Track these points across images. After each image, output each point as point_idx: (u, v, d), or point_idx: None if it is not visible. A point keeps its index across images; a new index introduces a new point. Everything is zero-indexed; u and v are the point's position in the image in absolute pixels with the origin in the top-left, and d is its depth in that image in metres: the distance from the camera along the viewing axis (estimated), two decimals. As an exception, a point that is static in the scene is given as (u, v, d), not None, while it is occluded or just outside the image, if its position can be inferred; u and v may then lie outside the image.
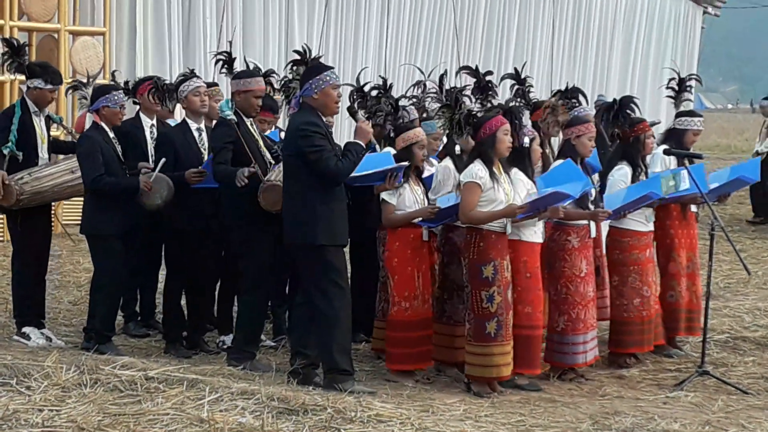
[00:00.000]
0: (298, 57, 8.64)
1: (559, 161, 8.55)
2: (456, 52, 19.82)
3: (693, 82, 10.20)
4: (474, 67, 8.84)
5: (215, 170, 8.26)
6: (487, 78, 8.75)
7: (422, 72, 9.91)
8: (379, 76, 10.19)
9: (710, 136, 19.87)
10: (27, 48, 9.37)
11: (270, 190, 8.02)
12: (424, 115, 9.31)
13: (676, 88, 9.88)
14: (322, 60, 9.00)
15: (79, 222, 9.08)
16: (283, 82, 9.13)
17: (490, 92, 8.71)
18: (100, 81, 11.22)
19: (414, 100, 9.42)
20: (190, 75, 9.08)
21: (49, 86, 8.94)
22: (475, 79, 8.80)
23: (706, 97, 78.82)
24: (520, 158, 8.10)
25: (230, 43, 9.07)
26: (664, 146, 9.32)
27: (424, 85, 9.48)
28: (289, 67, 8.74)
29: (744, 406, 7.81)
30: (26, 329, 8.92)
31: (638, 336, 8.87)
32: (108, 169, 8.57)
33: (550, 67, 21.71)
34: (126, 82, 9.94)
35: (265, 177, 8.09)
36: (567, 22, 22.29)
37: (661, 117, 19.66)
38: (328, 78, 7.67)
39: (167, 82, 9.52)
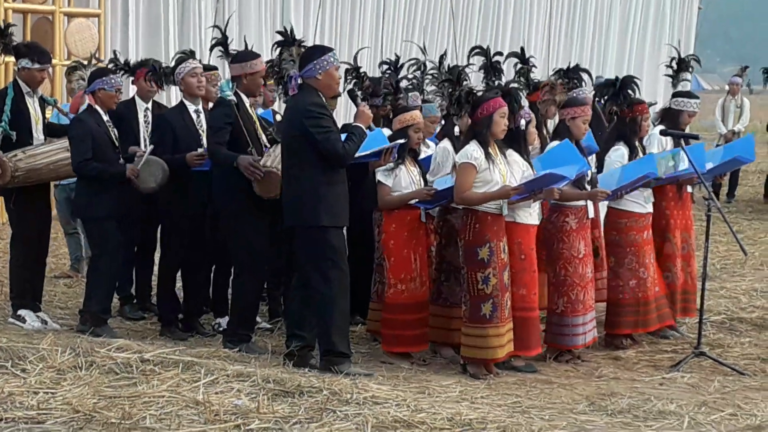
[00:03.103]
0: (281, 38, 8.62)
1: (555, 142, 8.52)
2: (453, 32, 19.77)
3: (693, 63, 10.17)
4: (485, 48, 8.86)
5: (213, 150, 8.21)
6: (495, 59, 8.78)
7: (423, 50, 9.87)
8: (395, 54, 10.14)
9: (707, 116, 19.82)
10: (12, 28, 9.27)
11: (266, 179, 7.98)
12: (423, 96, 9.30)
13: (675, 67, 9.85)
14: (311, 43, 9.01)
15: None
16: (270, 64, 9.09)
17: (497, 73, 8.74)
18: (95, 64, 11.18)
19: (414, 80, 9.39)
20: (187, 56, 9.04)
21: (37, 65, 8.88)
22: (484, 59, 8.83)
23: (704, 78, 78.65)
24: (516, 140, 8.07)
25: (217, 28, 9.01)
26: (661, 127, 9.30)
27: (424, 65, 9.45)
28: (275, 48, 8.69)
29: (740, 386, 7.80)
30: (22, 312, 8.91)
31: (634, 317, 8.86)
32: (101, 153, 8.55)
33: (547, 48, 21.65)
34: (126, 61, 9.88)
35: (261, 161, 8.05)
36: (564, 3, 22.23)
37: (658, 98, 19.64)
38: (332, 59, 7.67)
39: (164, 65, 9.48)
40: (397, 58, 9.54)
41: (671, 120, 9.40)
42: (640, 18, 23.70)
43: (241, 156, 8.03)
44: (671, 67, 10.00)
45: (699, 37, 26.31)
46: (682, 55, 10.18)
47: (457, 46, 18.52)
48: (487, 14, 20.78)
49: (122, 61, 9.85)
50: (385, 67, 9.37)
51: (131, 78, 9.58)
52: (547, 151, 8.52)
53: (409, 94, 9.18)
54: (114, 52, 10.39)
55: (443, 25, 19.98)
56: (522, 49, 9.58)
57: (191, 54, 9.16)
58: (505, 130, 7.85)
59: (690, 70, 9.97)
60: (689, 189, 9.45)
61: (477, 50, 9.00)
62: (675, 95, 9.57)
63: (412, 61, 9.61)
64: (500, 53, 9.00)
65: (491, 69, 8.84)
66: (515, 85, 8.78)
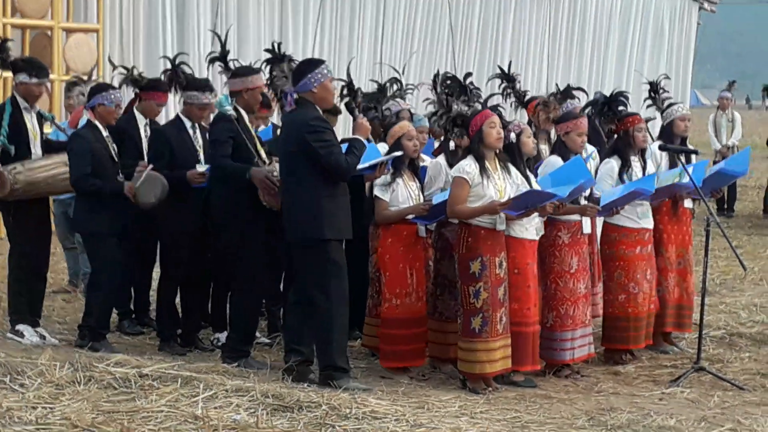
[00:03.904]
0: (269, 56, 8.64)
1: (554, 157, 8.55)
2: (451, 49, 19.80)
3: (663, 81, 10.24)
4: (453, 75, 9.01)
5: (222, 164, 8.16)
6: (468, 80, 8.88)
7: (397, 71, 9.93)
8: (371, 80, 10.24)
9: (706, 132, 19.85)
10: (10, 43, 9.25)
11: (276, 194, 7.97)
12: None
13: (652, 93, 9.92)
14: (310, 54, 9.07)
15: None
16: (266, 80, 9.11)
17: (472, 93, 8.85)
18: (95, 79, 11.21)
19: (398, 98, 9.47)
20: (205, 86, 8.97)
21: (35, 80, 8.86)
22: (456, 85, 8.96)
23: (703, 93, 78.79)
24: (510, 154, 8.09)
25: (217, 36, 9.03)
26: (659, 142, 9.32)
27: (400, 82, 9.54)
28: (265, 66, 8.69)
29: (740, 402, 7.81)
30: (20, 327, 8.89)
31: (625, 332, 8.87)
32: (101, 169, 8.55)
33: (546, 65, 21.68)
34: (140, 74, 9.81)
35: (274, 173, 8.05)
36: (563, 18, 22.25)
37: (657, 113, 19.69)
38: (325, 71, 7.69)
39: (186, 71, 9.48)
40: (380, 86, 9.58)
41: (666, 134, 9.48)
42: (639, 34, 23.74)
43: (255, 168, 8.02)
44: (650, 95, 10.03)
45: (698, 53, 26.34)
46: (663, 75, 10.33)
47: (456, 61, 18.57)
48: (486, 28, 20.80)
49: (136, 73, 9.79)
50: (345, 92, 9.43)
51: (135, 90, 9.53)
52: (558, 168, 8.50)
53: (390, 102, 9.24)
54: (126, 68, 10.30)
55: (442, 39, 20.00)
56: (501, 68, 9.67)
57: (209, 87, 9.06)
58: (500, 138, 7.86)
59: (661, 91, 9.99)
60: (688, 204, 9.46)
61: (448, 78, 9.15)
62: (662, 112, 9.64)
63: (389, 82, 9.69)
64: (470, 74, 9.17)
65: (467, 92, 8.95)
66: (499, 101, 8.88)
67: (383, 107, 9.21)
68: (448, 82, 9.21)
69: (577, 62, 22.37)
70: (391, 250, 8.31)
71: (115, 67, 10.06)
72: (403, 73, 9.87)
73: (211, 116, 8.78)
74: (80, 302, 9.44)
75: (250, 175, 7.99)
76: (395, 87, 9.59)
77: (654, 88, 9.92)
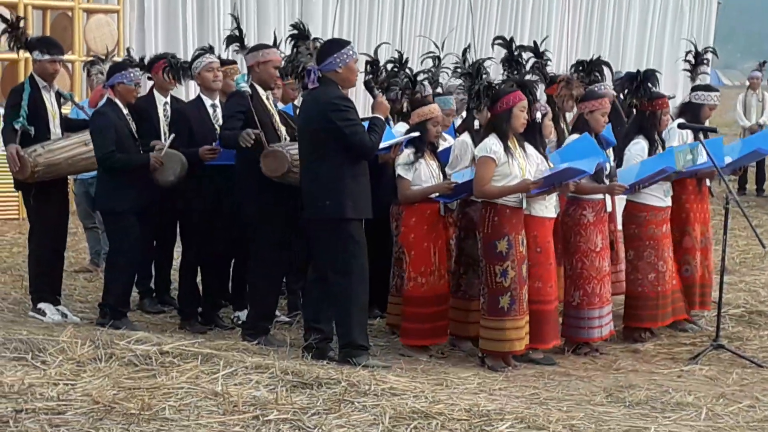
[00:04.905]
0: (296, 32, 8.64)
1: (575, 135, 8.54)
2: (471, 26, 19.74)
3: (710, 56, 10.16)
4: (508, 39, 8.88)
5: (221, 135, 8.27)
6: (516, 51, 8.80)
7: (437, 45, 9.89)
8: (396, 50, 10.17)
9: (728, 112, 19.77)
10: (26, 22, 9.26)
11: (270, 156, 7.98)
12: (438, 90, 9.30)
13: (693, 61, 9.85)
14: (329, 37, 9.00)
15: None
16: (288, 59, 9.10)
17: (518, 65, 8.75)
18: (115, 59, 11.23)
19: (429, 74, 9.40)
20: (204, 51, 9.07)
21: (47, 56, 8.88)
22: (506, 51, 8.84)
23: (724, 73, 78.22)
24: (531, 133, 8.07)
25: (234, 18, 9.03)
26: (680, 120, 9.29)
27: (438, 58, 9.46)
28: (289, 41, 8.70)
29: (759, 379, 7.81)
30: (42, 305, 8.95)
31: (653, 311, 8.87)
32: (121, 146, 8.58)
33: (566, 42, 21.61)
34: (141, 58, 9.91)
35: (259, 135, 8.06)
36: (583, -4, 22.18)
37: (678, 91, 19.57)
38: (351, 53, 7.70)
39: (182, 59, 9.51)
40: (401, 54, 9.55)
41: (692, 114, 9.41)
42: (659, 13, 23.61)
43: (243, 131, 8.04)
44: (688, 61, 10.00)
45: (719, 32, 26.19)
46: (699, 49, 10.19)
47: (475, 41, 18.50)
48: (505, 9, 20.75)
49: (137, 59, 9.87)
50: (391, 65, 9.39)
51: (147, 75, 9.57)
52: (566, 145, 8.52)
53: (423, 83, 9.20)
54: (128, 49, 10.39)
55: (462, 20, 19.95)
56: (535, 42, 9.58)
57: (210, 49, 9.18)
58: (525, 123, 7.86)
59: (706, 63, 9.97)
60: (708, 183, 9.45)
61: (499, 41, 9.01)
62: (695, 89, 9.58)
63: (429, 55, 9.61)
64: (521, 46, 9.01)
65: (512, 62, 8.85)
66: (530, 77, 8.79)
67: (417, 86, 9.12)
68: (498, 43, 9.09)
69: (597, 41, 22.28)
70: (415, 229, 8.32)
71: (125, 59, 10.05)
72: (442, 48, 9.76)
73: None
74: (101, 281, 9.48)
75: (240, 137, 8.00)
76: (433, 63, 9.52)
77: (699, 59, 9.85)
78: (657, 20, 23.60)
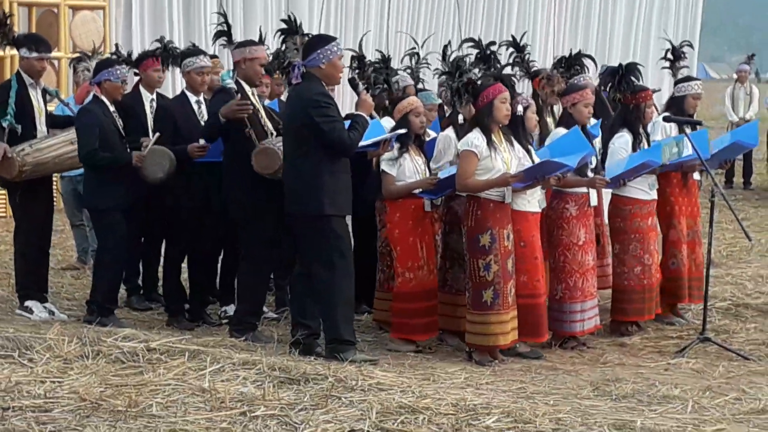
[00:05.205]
0: (285, 26, 8.64)
1: (561, 130, 8.56)
2: (457, 21, 19.74)
3: (687, 49, 10.22)
4: (477, 39, 8.88)
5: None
6: (490, 48, 8.79)
7: (416, 42, 9.93)
8: (376, 50, 10.19)
9: (715, 105, 19.79)
10: (14, 19, 9.24)
11: (262, 153, 8.00)
12: (419, 85, 9.32)
13: (671, 57, 9.90)
14: (315, 32, 8.99)
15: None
16: (275, 55, 9.11)
17: (492, 62, 8.75)
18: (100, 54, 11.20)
19: (408, 70, 9.42)
20: (198, 51, 9.05)
21: (35, 54, 8.86)
22: (477, 50, 8.84)
23: (711, 66, 78.41)
24: (513, 126, 8.09)
25: (221, 15, 9.03)
26: (665, 113, 9.32)
27: (418, 55, 9.50)
28: (278, 36, 8.70)
29: (745, 371, 7.83)
30: (29, 303, 8.94)
31: (639, 304, 8.89)
32: (108, 143, 8.58)
33: (552, 37, 21.62)
34: (129, 54, 9.90)
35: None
36: (569, -10, 22.19)
37: (663, 85, 19.62)
38: (335, 49, 7.70)
39: (174, 45, 9.51)
40: (383, 55, 9.56)
41: (677, 107, 9.45)
42: (645, 6, 23.62)
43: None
44: (668, 59, 10.05)
45: (706, 25, 26.24)
46: (675, 45, 10.28)
47: (462, 35, 18.49)
48: (491, 3, 20.75)
49: (125, 54, 9.86)
50: (372, 67, 9.41)
51: (134, 71, 9.57)
52: (556, 139, 8.52)
53: (398, 76, 9.22)
54: (116, 45, 10.39)
55: (448, 14, 19.95)
56: (513, 37, 9.62)
57: (203, 51, 9.14)
58: (508, 115, 7.87)
59: (684, 56, 10.01)
60: (696, 176, 9.47)
61: (470, 43, 9.05)
62: (676, 83, 9.63)
63: (410, 52, 9.64)
64: (493, 42, 9.04)
65: (485, 59, 8.87)
66: (509, 71, 8.80)
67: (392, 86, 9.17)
68: (470, 45, 9.14)
69: (583, 34, 22.29)
70: (400, 225, 8.33)
71: (113, 53, 10.05)
72: (421, 46, 9.80)
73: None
74: (89, 279, 9.48)
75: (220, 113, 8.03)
76: (412, 60, 9.53)
77: (676, 54, 9.90)
78: (643, 14, 23.60)
